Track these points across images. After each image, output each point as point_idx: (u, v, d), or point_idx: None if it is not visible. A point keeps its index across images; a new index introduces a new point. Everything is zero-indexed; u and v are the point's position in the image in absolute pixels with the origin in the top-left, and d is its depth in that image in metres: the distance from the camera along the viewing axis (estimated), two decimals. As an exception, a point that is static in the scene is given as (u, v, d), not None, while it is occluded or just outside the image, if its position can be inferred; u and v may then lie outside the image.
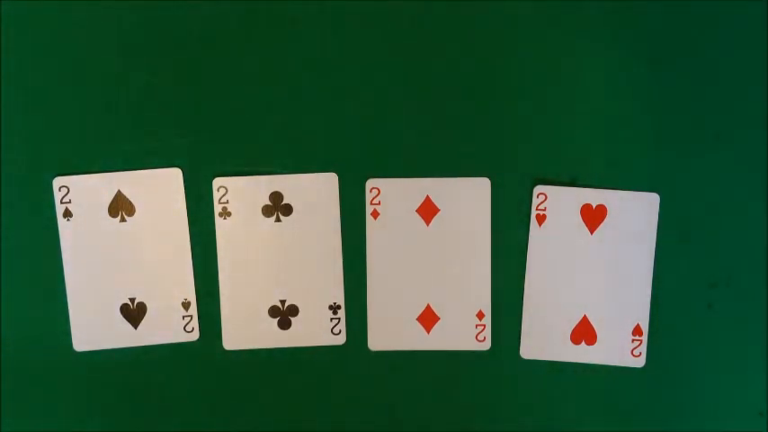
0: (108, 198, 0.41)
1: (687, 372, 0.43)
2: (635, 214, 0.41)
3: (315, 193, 0.41)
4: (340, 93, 0.41)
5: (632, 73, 0.41)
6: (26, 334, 0.42)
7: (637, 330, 0.42)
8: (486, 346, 0.42)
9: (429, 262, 0.42)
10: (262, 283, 0.42)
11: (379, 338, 0.42)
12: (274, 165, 0.41)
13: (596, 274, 0.42)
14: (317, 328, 0.42)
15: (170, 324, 0.42)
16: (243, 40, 0.41)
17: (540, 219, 0.41)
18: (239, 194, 0.41)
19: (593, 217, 0.41)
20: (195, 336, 0.42)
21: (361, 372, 0.43)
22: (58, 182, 0.41)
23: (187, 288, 0.42)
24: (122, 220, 0.41)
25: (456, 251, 0.42)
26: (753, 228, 0.42)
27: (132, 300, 0.42)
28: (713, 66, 0.41)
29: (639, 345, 0.42)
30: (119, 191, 0.41)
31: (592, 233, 0.42)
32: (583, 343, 0.42)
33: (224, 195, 0.41)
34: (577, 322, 0.42)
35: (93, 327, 0.42)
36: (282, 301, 0.42)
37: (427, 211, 0.42)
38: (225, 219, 0.41)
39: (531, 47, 0.41)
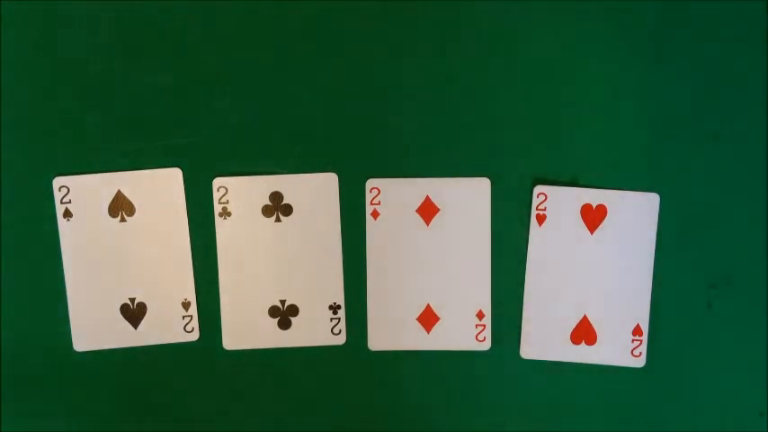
0: (108, 198, 0.41)
1: (687, 372, 0.43)
2: (635, 214, 0.41)
3: (315, 193, 0.41)
4: (340, 93, 0.41)
5: (632, 73, 0.41)
6: (26, 334, 0.42)
7: (637, 330, 0.42)
8: (486, 346, 0.42)
9: (429, 262, 0.42)
10: (262, 283, 0.42)
11: (379, 338, 0.42)
12: (274, 165, 0.41)
13: (596, 274, 0.42)
14: (317, 328, 0.42)
15: (170, 324, 0.42)
16: (243, 40, 0.41)
17: (540, 219, 0.41)
18: (239, 194, 0.41)
19: (593, 217, 0.41)
20: (195, 336, 0.42)
21: (361, 372, 0.43)
22: (57, 182, 0.41)
23: (187, 288, 0.42)
24: (122, 220, 0.41)
25: (456, 251, 0.42)
26: (753, 228, 0.42)
27: (132, 300, 0.42)
28: (713, 66, 0.41)
29: (639, 345, 0.42)
30: (119, 191, 0.41)
31: (592, 233, 0.42)
32: (583, 343, 0.42)
33: (224, 195, 0.41)
34: (577, 322, 0.42)
35: (93, 327, 0.42)
36: (282, 301, 0.42)
37: (427, 211, 0.42)
38: (225, 219, 0.41)
39: (532, 47, 0.41)
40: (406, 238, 0.42)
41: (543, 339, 0.42)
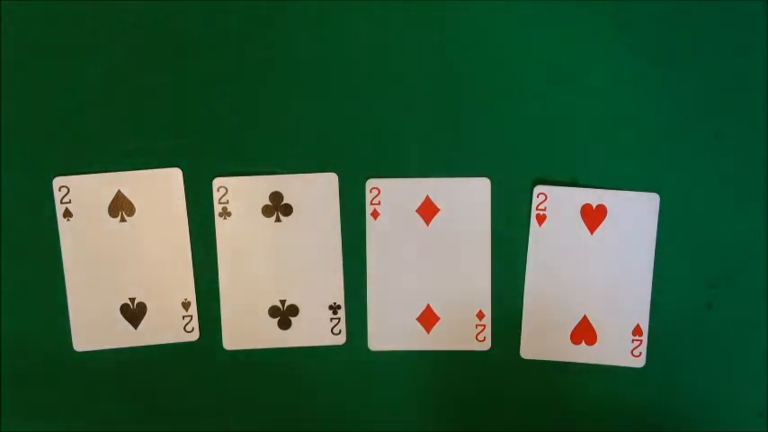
0: (108, 198, 0.41)
1: (687, 372, 0.43)
2: (635, 214, 0.41)
3: (315, 193, 0.41)
4: (340, 93, 0.41)
5: (632, 73, 0.41)
6: (26, 334, 0.42)
7: (637, 330, 0.42)
8: (486, 346, 0.42)
9: (429, 262, 0.42)
10: (262, 283, 0.42)
11: (379, 338, 0.42)
12: (274, 165, 0.41)
13: (596, 274, 0.42)
14: (317, 328, 0.42)
15: (170, 324, 0.42)
16: (243, 40, 0.41)
17: (540, 219, 0.41)
18: (239, 194, 0.41)
19: (593, 217, 0.41)
20: (195, 336, 0.42)
21: (361, 372, 0.43)
22: (57, 182, 0.41)
23: (187, 288, 0.42)
24: (122, 220, 0.41)
25: (456, 251, 0.42)
26: (753, 228, 0.42)
27: (132, 300, 0.42)
28: (713, 66, 0.41)
29: (639, 345, 0.42)
30: (119, 191, 0.41)
31: (592, 233, 0.42)
32: (583, 343, 0.42)
33: (224, 195, 0.41)
34: (577, 322, 0.42)
35: (93, 327, 0.42)
36: (282, 301, 0.42)
37: (427, 211, 0.42)
38: (225, 219, 0.41)
39: (532, 47, 0.41)
40: (406, 238, 0.42)
41: (543, 339, 0.42)
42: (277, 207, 0.41)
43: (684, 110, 0.41)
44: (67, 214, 0.41)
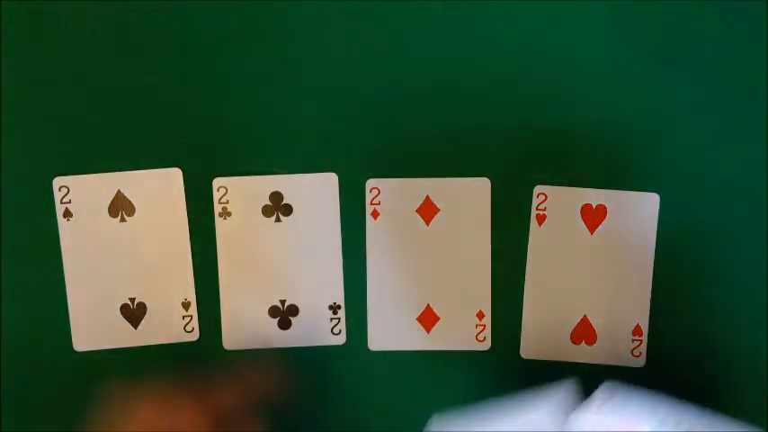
0: (108, 198, 0.41)
1: (687, 372, 0.43)
2: (635, 214, 0.41)
3: (315, 193, 0.41)
4: (340, 93, 0.41)
5: (632, 73, 0.41)
6: (26, 334, 0.42)
7: (637, 330, 0.42)
8: (486, 346, 0.42)
9: (429, 262, 0.42)
10: (262, 283, 0.42)
11: (379, 338, 0.42)
12: (274, 165, 0.41)
13: (596, 274, 0.42)
14: (317, 328, 0.42)
15: (170, 324, 0.42)
16: (243, 40, 0.41)
17: (540, 219, 0.41)
18: (239, 194, 0.41)
19: (593, 217, 0.41)
20: (195, 336, 0.42)
21: (361, 372, 0.43)
22: (57, 182, 0.41)
23: (187, 288, 0.42)
24: (122, 220, 0.41)
25: (456, 251, 0.42)
26: (753, 227, 0.42)
27: (132, 300, 0.42)
28: (714, 65, 0.41)
29: (639, 345, 0.42)
30: (119, 191, 0.41)
31: (592, 233, 0.42)
32: (583, 343, 0.42)
33: (224, 195, 0.41)
34: (577, 322, 0.42)
35: (93, 327, 0.42)
36: (282, 301, 0.42)
37: (427, 211, 0.42)
38: (225, 219, 0.41)
39: (532, 47, 0.41)
40: (406, 238, 0.42)
41: (543, 339, 0.42)
42: (277, 207, 0.41)
43: (684, 110, 0.41)
44: (67, 214, 0.41)
